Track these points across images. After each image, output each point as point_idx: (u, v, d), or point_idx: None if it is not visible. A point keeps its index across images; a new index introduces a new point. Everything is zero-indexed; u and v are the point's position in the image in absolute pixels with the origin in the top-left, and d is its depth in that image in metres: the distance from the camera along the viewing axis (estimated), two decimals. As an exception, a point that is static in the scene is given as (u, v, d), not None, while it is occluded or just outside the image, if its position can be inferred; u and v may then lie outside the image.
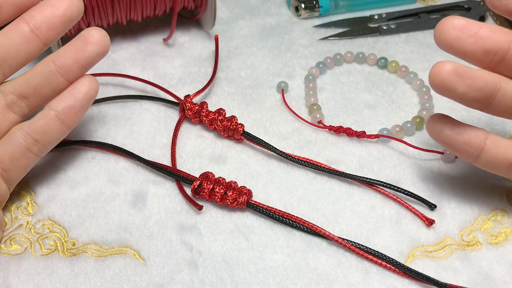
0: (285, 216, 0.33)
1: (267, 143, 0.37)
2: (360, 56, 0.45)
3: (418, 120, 0.39)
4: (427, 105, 0.40)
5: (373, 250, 0.32)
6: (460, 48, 0.29)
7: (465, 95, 0.29)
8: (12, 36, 0.31)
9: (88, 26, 0.41)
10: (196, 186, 0.34)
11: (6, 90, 0.32)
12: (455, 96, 0.29)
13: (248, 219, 0.34)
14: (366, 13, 0.50)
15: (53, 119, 0.32)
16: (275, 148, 0.36)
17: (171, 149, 0.37)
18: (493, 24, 0.29)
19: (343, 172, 0.36)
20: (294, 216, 0.33)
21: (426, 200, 0.34)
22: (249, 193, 0.34)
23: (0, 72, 0.31)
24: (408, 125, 0.39)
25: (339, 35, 0.48)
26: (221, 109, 0.38)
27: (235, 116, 0.38)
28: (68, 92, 0.32)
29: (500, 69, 0.29)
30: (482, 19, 0.49)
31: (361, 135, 0.38)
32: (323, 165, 0.36)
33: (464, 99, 0.29)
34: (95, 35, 0.32)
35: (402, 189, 0.35)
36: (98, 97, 0.39)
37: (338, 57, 0.44)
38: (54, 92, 0.32)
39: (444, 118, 0.31)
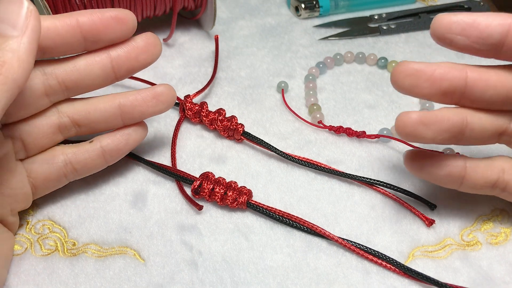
0: (285, 216, 0.33)
1: (267, 143, 0.37)
2: (360, 56, 0.45)
3: (418, 120, 0.39)
4: (427, 105, 0.40)
5: (373, 250, 0.32)
6: (418, 93, 0.29)
7: (434, 139, 0.29)
8: (94, 67, 0.31)
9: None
10: (196, 186, 0.34)
11: (64, 111, 0.32)
12: (424, 141, 0.29)
13: (248, 219, 0.34)
14: (366, 13, 0.50)
15: (98, 155, 0.33)
16: (275, 148, 0.36)
17: (171, 149, 0.37)
18: (447, 62, 0.29)
19: (343, 172, 0.36)
20: (294, 216, 0.33)
21: (426, 200, 0.34)
22: (249, 193, 0.34)
23: (66, 94, 0.31)
24: (408, 125, 0.39)
25: (339, 35, 0.48)
26: (221, 109, 0.38)
27: (235, 116, 0.38)
28: (120, 134, 0.33)
29: (463, 103, 0.29)
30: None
31: (361, 135, 0.38)
32: (323, 165, 0.36)
33: (434, 142, 0.29)
34: (164, 94, 0.33)
35: (402, 189, 0.35)
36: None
37: (338, 57, 0.44)
38: (107, 128, 0.33)
39: (420, 154, 0.31)
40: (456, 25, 0.28)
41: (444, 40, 0.28)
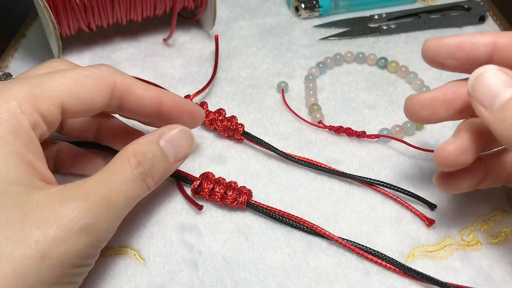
0: (285, 216, 0.33)
1: (267, 143, 0.37)
2: (360, 56, 0.45)
3: (418, 120, 0.39)
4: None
5: (373, 250, 0.32)
6: (435, 119, 0.30)
7: (470, 161, 0.28)
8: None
9: (88, 26, 0.41)
10: (196, 186, 0.34)
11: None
12: (461, 166, 0.29)
13: (248, 219, 0.34)
14: (366, 13, 0.50)
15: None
16: (275, 148, 0.36)
17: (171, 149, 0.37)
18: (452, 81, 0.30)
19: (343, 172, 0.36)
20: (294, 216, 0.33)
21: (426, 200, 0.34)
22: (249, 193, 0.34)
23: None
24: (408, 125, 0.39)
25: (339, 35, 0.48)
26: (221, 109, 0.38)
27: (235, 116, 0.38)
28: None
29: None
30: (482, 19, 0.49)
31: (361, 135, 0.38)
32: (323, 165, 0.36)
33: (468, 164, 0.29)
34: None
35: (402, 189, 0.35)
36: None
37: (338, 57, 0.44)
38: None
39: (447, 174, 0.30)
40: (444, 49, 0.29)
41: (436, 64, 0.30)
